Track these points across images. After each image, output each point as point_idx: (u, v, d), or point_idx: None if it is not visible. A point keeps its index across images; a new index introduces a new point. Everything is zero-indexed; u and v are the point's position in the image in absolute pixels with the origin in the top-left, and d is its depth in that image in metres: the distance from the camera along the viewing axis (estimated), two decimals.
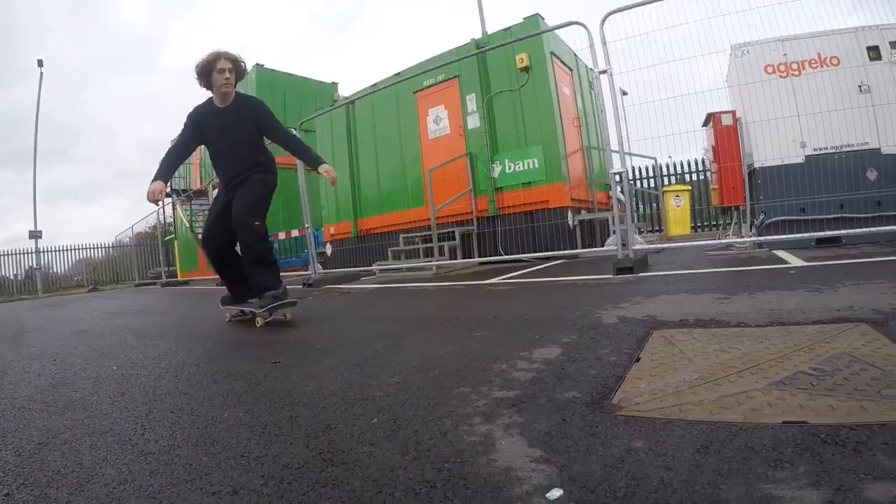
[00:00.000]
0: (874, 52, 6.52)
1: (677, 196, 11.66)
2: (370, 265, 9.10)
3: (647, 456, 1.23)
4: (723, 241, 6.78)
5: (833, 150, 6.41)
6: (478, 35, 9.57)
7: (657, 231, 13.57)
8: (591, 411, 1.57)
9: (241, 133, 4.22)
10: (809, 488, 1.01)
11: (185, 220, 16.11)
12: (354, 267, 9.81)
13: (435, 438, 1.47)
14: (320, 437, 1.57)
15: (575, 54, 9.39)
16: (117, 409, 2.08)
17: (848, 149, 6.40)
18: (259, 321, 4.12)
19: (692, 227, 12.12)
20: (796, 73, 6.57)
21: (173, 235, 17.33)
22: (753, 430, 1.31)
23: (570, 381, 1.88)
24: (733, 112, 6.86)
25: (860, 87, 6.42)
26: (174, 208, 17.01)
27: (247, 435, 1.63)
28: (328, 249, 11.40)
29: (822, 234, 5.93)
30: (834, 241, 6.18)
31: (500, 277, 6.15)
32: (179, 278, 16.06)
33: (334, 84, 16.38)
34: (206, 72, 4.07)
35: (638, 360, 2.06)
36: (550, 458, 1.26)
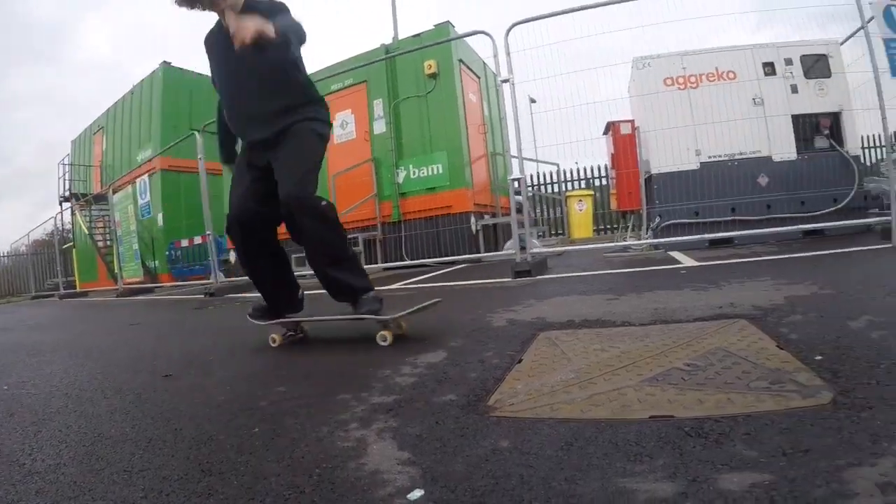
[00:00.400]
0: (769, 68, 6.85)
1: (580, 201, 11.91)
2: None
3: (511, 455, 1.25)
4: (620, 243, 6.84)
5: (727, 158, 6.66)
6: (389, 40, 9.42)
7: (559, 234, 13.70)
8: (465, 413, 1.57)
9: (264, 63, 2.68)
10: (664, 481, 1.03)
11: (83, 227, 15.20)
12: None
13: (311, 445, 1.47)
14: (202, 448, 1.56)
15: (483, 62, 9.37)
16: (6, 429, 2.00)
17: (741, 156, 6.68)
18: (388, 336, 2.64)
19: (595, 231, 12.46)
20: (694, 85, 6.80)
21: (71, 244, 16.36)
22: (620, 426, 1.33)
23: (450, 384, 1.88)
24: (632, 121, 7.07)
25: (754, 99, 6.73)
26: (73, 214, 16.05)
27: (131, 450, 1.61)
28: (231, 257, 10.92)
29: (714, 235, 6.12)
30: (727, 241, 6.38)
31: (402, 283, 6.07)
32: (78, 289, 15.13)
33: None
34: None
35: (520, 361, 2.04)
36: (417, 461, 1.28)
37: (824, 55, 6.90)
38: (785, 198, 6.56)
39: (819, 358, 1.69)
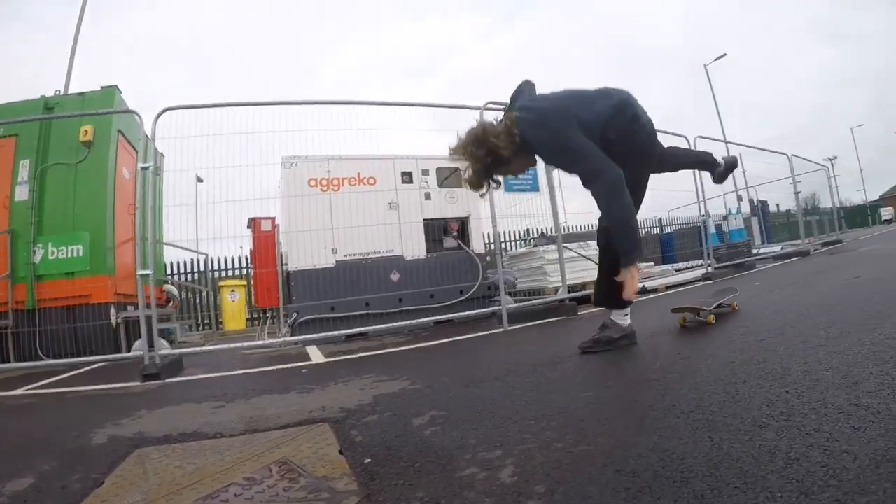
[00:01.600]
0: (407, 177, 7.67)
1: (233, 291, 11.88)
2: None
3: None
4: (259, 341, 6.94)
5: (362, 257, 7.21)
6: (53, 92, 8.60)
7: (206, 328, 13.08)
8: None
9: None
10: None
11: None
12: None
13: None
14: None
15: (147, 136, 8.87)
16: None
17: (375, 255, 7.27)
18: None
19: (248, 321, 12.28)
20: (336, 188, 7.30)
21: None
22: None
23: None
24: (273, 218, 7.31)
25: (390, 204, 7.41)
26: None
27: None
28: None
29: (350, 331, 6.47)
30: (363, 334, 6.73)
31: (27, 387, 5.31)
32: None
33: None
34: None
35: (101, 484, 1.95)
36: None
37: (458, 168, 7.80)
38: (416, 292, 7.24)
39: (367, 461, 1.84)
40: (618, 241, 3.14)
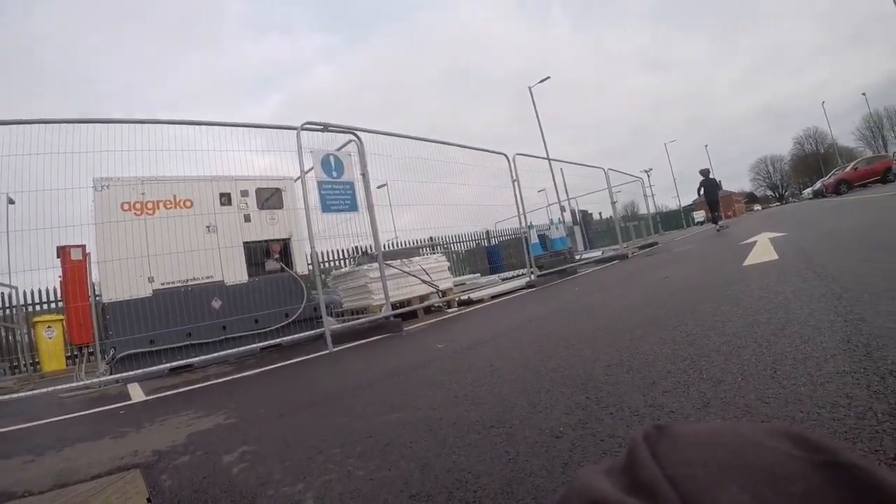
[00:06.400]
0: (226, 198, 7.72)
1: (49, 327, 11.18)
2: None
3: None
4: (77, 382, 6.66)
5: (181, 284, 7.16)
6: None
7: (22, 370, 11.85)
8: None
9: None
10: None
11: None
12: None
13: None
14: None
15: None
16: None
17: (194, 282, 7.26)
18: None
19: (67, 359, 11.49)
20: (151, 212, 7.12)
21: None
22: None
23: None
24: (83, 246, 6.95)
25: (208, 227, 7.45)
26: None
27: None
28: None
29: (171, 364, 6.34)
30: (187, 367, 6.64)
31: None
32: None
33: None
34: None
35: None
36: None
37: (278, 189, 8.04)
38: (239, 318, 7.33)
39: None
40: None
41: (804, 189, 60.40)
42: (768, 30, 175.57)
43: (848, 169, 34.02)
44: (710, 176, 17.23)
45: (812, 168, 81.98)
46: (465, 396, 2.63)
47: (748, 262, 5.91)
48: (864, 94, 68.42)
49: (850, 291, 3.02)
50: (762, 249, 6.81)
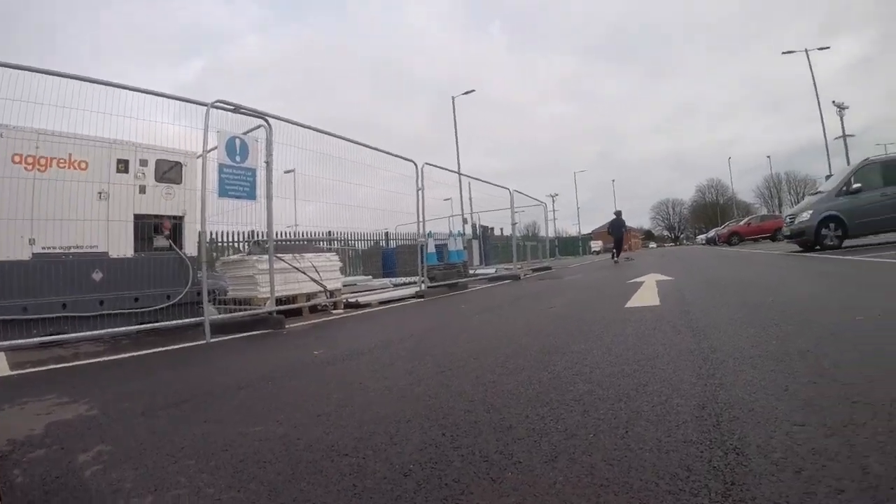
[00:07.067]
0: (123, 165, 7.40)
1: None
2: None
3: None
4: None
5: (62, 251, 6.79)
6: None
7: None
8: None
9: None
10: None
11: None
12: None
13: None
14: None
15: None
16: None
17: (77, 250, 6.92)
18: None
19: None
20: (42, 168, 6.67)
21: None
22: None
23: None
24: None
25: (100, 194, 7.15)
26: None
27: None
28: None
29: (41, 339, 5.90)
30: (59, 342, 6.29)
31: None
32: None
33: None
34: None
35: None
36: None
37: (179, 163, 7.88)
38: (119, 295, 7.06)
39: None
40: None
41: (699, 234, 65.15)
42: (691, 83, 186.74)
43: (742, 223, 37.18)
44: (622, 217, 22.05)
45: (710, 216, 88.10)
46: (328, 416, 2.63)
47: (630, 303, 6.20)
48: (768, 156, 74.58)
49: (718, 353, 3.18)
50: (647, 293, 7.18)
